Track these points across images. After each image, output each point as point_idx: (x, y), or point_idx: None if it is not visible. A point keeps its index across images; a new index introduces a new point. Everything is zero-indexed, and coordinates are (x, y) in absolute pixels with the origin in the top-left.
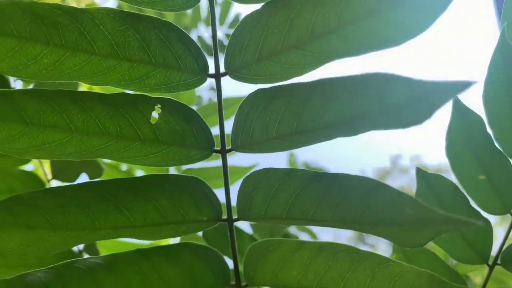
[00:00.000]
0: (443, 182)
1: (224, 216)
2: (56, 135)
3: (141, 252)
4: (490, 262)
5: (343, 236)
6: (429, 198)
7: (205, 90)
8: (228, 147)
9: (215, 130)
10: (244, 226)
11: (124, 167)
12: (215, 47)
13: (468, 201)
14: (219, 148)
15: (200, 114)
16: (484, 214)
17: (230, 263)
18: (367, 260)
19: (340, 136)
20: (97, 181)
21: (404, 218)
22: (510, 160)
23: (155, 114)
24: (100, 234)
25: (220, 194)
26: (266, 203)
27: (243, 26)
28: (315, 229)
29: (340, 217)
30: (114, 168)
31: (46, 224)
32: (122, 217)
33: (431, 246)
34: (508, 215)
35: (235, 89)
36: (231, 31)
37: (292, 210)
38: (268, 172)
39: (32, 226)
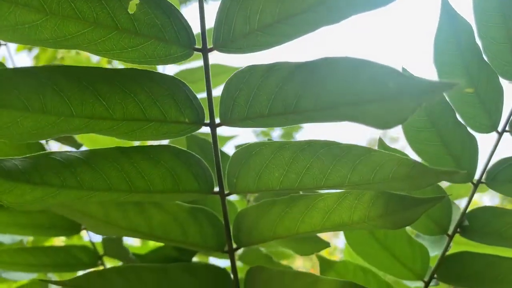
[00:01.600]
0: None
1: (207, 121)
2: (30, 15)
3: (120, 150)
4: (475, 181)
5: None
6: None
7: None
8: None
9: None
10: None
11: None
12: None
13: (454, 113)
14: (200, 47)
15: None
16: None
17: None
18: (348, 153)
19: None
20: (73, 66)
21: (387, 91)
22: (498, 74)
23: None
24: (77, 124)
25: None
26: (248, 103)
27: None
28: None
29: (322, 104)
30: None
31: (20, 105)
32: (100, 107)
33: None
34: (495, 133)
35: None
36: None
37: (274, 106)
38: (251, 69)
39: (4, 105)
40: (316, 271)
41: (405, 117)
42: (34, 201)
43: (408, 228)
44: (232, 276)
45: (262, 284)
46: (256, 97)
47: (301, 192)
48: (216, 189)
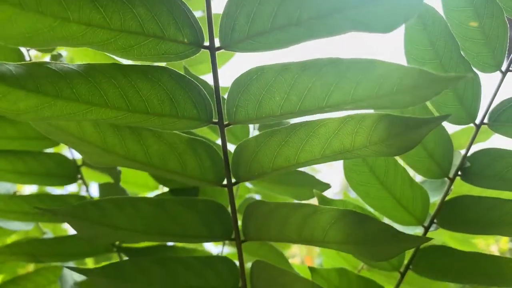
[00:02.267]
0: (437, 18)
1: (206, 43)
2: None
3: (118, 67)
4: (477, 121)
5: None
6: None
7: None
8: None
9: None
10: None
11: None
12: None
13: (459, 48)
14: None
15: None
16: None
17: None
18: (352, 68)
19: None
20: None
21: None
22: (503, 10)
23: None
24: (74, 31)
25: None
26: (250, 20)
27: None
28: None
29: (326, 9)
30: None
31: (13, 0)
32: (97, 14)
33: None
34: (498, 72)
35: None
36: None
37: (277, 19)
38: None
39: None
40: (311, 258)
41: (411, 14)
42: (28, 110)
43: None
44: (230, 211)
45: (261, 216)
46: (258, 12)
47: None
48: (215, 120)
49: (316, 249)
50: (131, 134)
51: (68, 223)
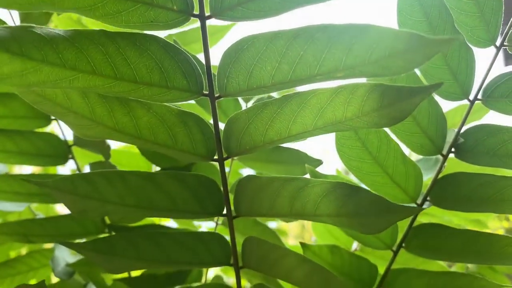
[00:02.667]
0: None
1: (196, 12)
2: None
3: (106, 33)
4: (471, 97)
5: None
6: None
7: None
8: None
9: None
10: None
11: None
12: None
13: (452, 20)
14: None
15: None
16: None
17: None
18: (344, 33)
19: None
20: None
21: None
22: None
23: None
24: None
25: None
26: None
27: None
28: None
29: None
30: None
31: None
32: None
33: None
34: (493, 47)
35: None
36: None
37: None
38: None
39: None
40: (307, 234)
41: (411, 69)
42: (13, 75)
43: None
44: (222, 188)
45: (253, 191)
46: None
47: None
48: (206, 91)
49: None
50: (120, 105)
51: (57, 196)
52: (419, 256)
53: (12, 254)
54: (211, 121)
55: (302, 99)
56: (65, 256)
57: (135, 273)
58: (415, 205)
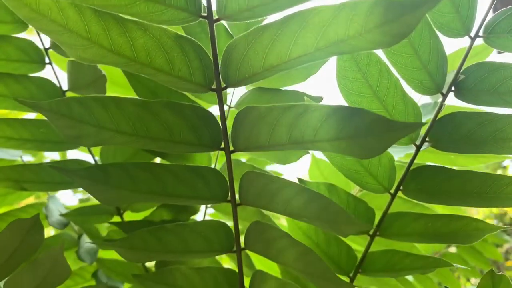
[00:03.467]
0: None
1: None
2: None
3: None
4: (472, 34)
5: None
6: None
7: None
8: None
9: None
10: None
11: None
12: None
13: None
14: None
15: None
16: None
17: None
18: None
19: None
20: None
21: None
22: None
23: None
24: None
25: None
26: None
27: None
28: None
29: None
30: None
31: None
32: None
33: None
34: None
35: None
36: None
37: None
38: None
39: None
40: None
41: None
42: None
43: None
44: (220, 121)
45: (252, 122)
46: None
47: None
48: (205, 14)
49: None
50: (116, 25)
51: (50, 119)
52: (416, 200)
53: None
54: None
55: (303, 18)
56: (59, 207)
57: (129, 218)
58: (414, 147)
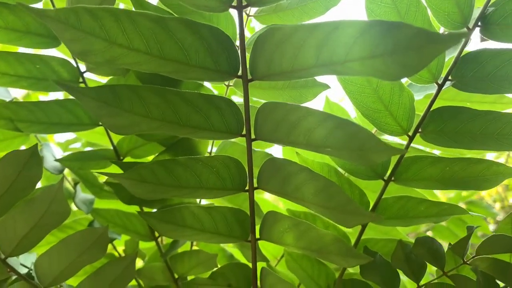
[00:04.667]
0: None
1: None
2: None
3: None
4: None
5: None
6: None
7: None
8: None
9: None
10: None
11: None
12: None
13: None
14: None
15: None
16: None
17: None
18: None
19: None
20: None
21: None
22: None
23: None
24: None
25: None
26: None
27: None
28: None
29: None
30: None
31: None
32: None
33: None
34: None
35: None
36: None
37: None
38: None
39: None
40: None
41: None
42: None
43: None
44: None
45: (274, 45)
46: None
47: None
48: None
49: None
50: None
51: (57, 31)
52: (435, 144)
53: None
54: None
55: None
56: (54, 153)
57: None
58: (435, 86)
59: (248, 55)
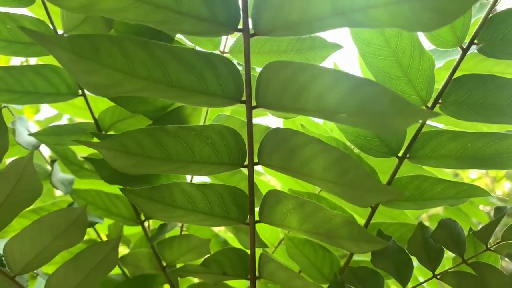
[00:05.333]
0: None
1: None
2: None
3: None
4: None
5: None
6: None
7: None
8: None
9: None
10: None
11: None
12: None
13: None
14: None
15: None
16: None
17: None
18: None
19: None
20: None
21: None
22: None
23: None
24: None
25: None
26: None
27: None
28: None
29: None
30: None
31: None
32: None
33: None
34: None
35: None
36: None
37: None
38: None
39: None
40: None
41: None
42: None
43: None
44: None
45: None
46: None
47: None
48: None
49: None
50: None
51: None
52: (455, 117)
53: None
54: None
55: None
56: (29, 127)
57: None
58: (459, 50)
59: (250, 2)
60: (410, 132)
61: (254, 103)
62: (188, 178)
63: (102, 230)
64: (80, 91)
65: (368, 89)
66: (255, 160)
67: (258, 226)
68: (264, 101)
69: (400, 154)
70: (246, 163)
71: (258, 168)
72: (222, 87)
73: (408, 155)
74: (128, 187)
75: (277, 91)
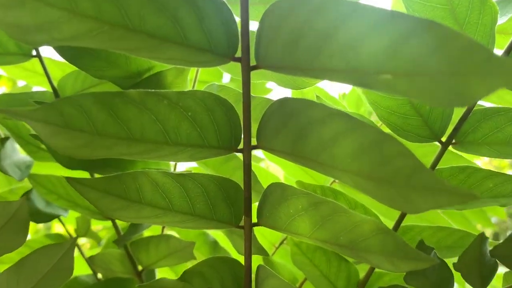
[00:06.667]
0: None
1: None
2: None
3: None
4: None
5: None
6: None
7: None
8: None
9: None
10: None
11: None
12: None
13: None
14: None
15: None
16: None
17: None
18: None
19: None
20: None
21: None
22: None
23: None
24: None
25: None
26: None
27: None
28: None
29: None
30: None
31: None
32: None
33: None
34: None
35: None
36: None
37: None
38: None
39: None
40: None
41: None
42: None
43: None
44: None
45: None
46: None
47: None
48: None
49: None
50: None
51: None
52: None
53: None
54: None
55: None
56: None
57: None
58: None
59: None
60: (457, 112)
61: (253, 62)
62: (179, 166)
63: (69, 222)
64: (34, 51)
65: (436, 33)
66: (253, 142)
67: (256, 228)
68: (267, 58)
69: (444, 139)
70: (241, 146)
71: (257, 152)
72: (206, 35)
73: (454, 140)
74: (89, 174)
75: (287, 43)
